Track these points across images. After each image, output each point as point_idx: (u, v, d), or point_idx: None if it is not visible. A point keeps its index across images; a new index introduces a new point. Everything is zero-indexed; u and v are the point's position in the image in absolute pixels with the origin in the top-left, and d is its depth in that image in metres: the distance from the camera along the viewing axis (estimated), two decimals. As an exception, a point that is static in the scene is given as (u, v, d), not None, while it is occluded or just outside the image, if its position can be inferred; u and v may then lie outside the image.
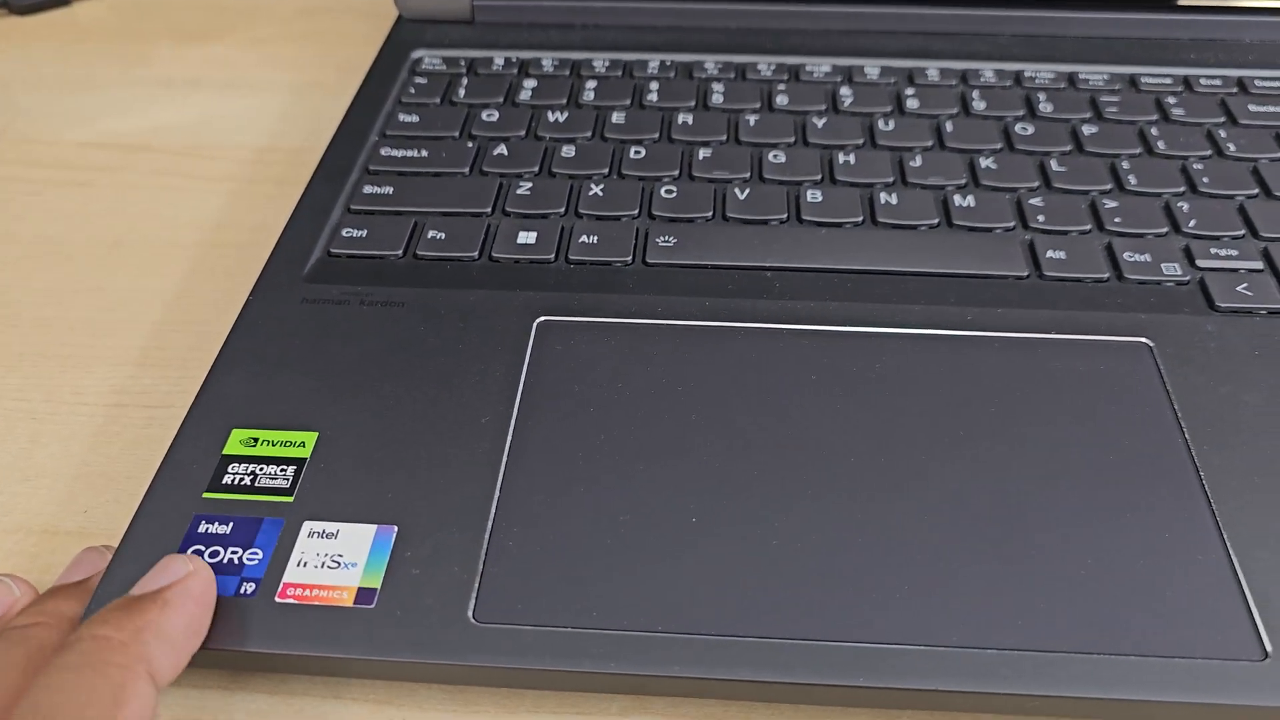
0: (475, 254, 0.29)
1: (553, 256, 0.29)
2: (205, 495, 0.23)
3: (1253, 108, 0.34)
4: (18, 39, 0.45)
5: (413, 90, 0.36)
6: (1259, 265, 0.28)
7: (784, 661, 0.20)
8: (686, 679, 0.20)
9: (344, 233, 0.30)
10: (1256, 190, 0.31)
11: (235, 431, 0.25)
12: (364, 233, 0.30)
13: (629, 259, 0.29)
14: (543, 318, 0.27)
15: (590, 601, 0.21)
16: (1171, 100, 0.35)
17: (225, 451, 0.24)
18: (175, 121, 0.39)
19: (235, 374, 0.26)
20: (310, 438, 0.24)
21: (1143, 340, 0.26)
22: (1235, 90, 0.35)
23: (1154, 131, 0.33)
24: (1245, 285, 0.28)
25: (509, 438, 0.24)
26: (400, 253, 0.29)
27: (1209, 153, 0.32)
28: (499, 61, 0.37)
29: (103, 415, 0.29)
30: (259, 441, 0.25)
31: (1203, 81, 0.36)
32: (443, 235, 0.30)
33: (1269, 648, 0.20)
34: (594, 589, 0.21)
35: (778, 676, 0.20)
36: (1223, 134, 0.33)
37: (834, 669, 0.20)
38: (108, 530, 0.26)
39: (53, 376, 0.30)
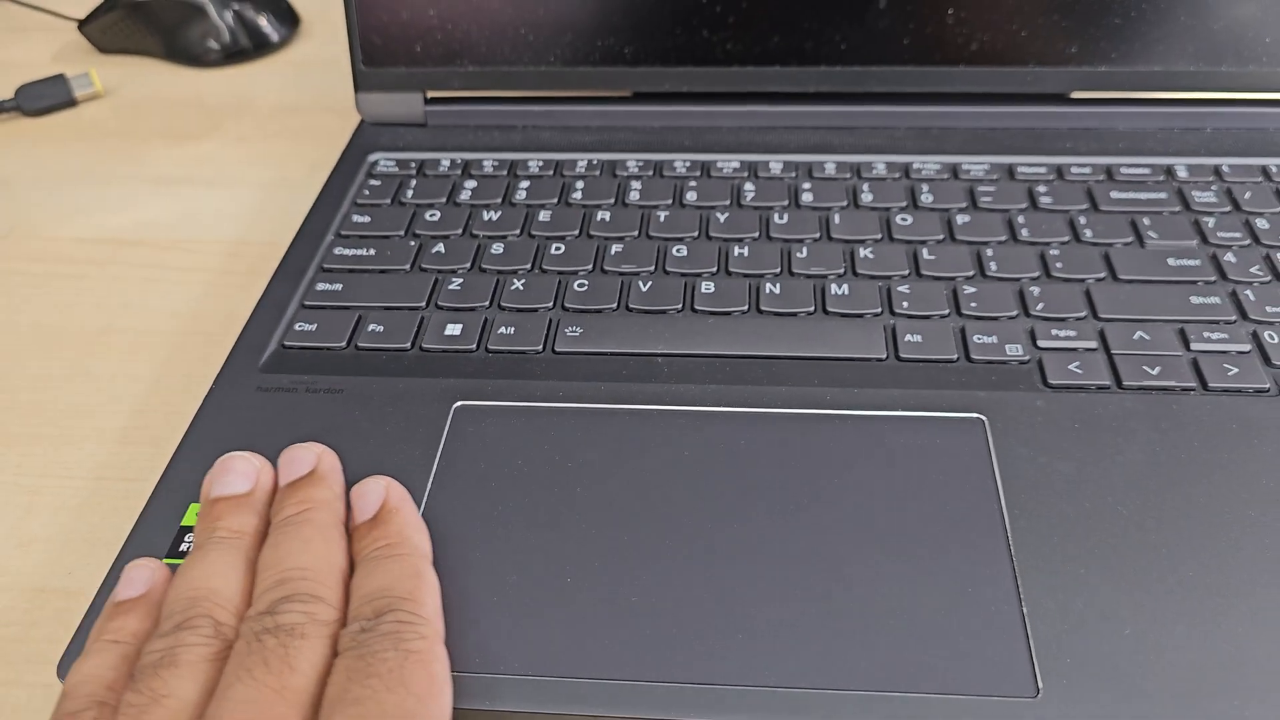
0: (407, 345, 0.34)
1: (474, 346, 0.33)
2: (165, 560, 0.28)
3: (1114, 194, 0.38)
4: (29, 138, 0.50)
5: (367, 192, 0.40)
6: (1094, 345, 0.32)
7: (615, 698, 0.24)
8: (537, 714, 0.24)
9: (297, 326, 0.34)
10: (1104, 273, 0.35)
11: (192, 506, 0.29)
12: (314, 326, 0.34)
13: (540, 348, 0.33)
14: (460, 403, 0.31)
15: (468, 648, 0.25)
16: (1042, 189, 0.39)
17: (183, 523, 0.29)
18: (162, 217, 0.44)
19: (195, 455, 0.30)
20: (256, 511, 0.29)
21: (978, 416, 0.30)
22: (1102, 178, 0.39)
23: (1020, 219, 0.37)
24: (1077, 364, 0.32)
25: (421, 507, 0.28)
26: (344, 344, 0.34)
27: (1067, 238, 0.36)
28: (445, 163, 0.41)
29: (88, 489, 0.33)
30: (212, 514, 0.29)
31: (1073, 170, 0.40)
32: (381, 328, 0.34)
33: (1041, 686, 0.24)
34: (468, 638, 0.25)
35: (603, 711, 0.24)
36: (1082, 220, 0.37)
37: (662, 706, 0.24)
38: (89, 589, 0.30)
39: (46, 454, 0.34)
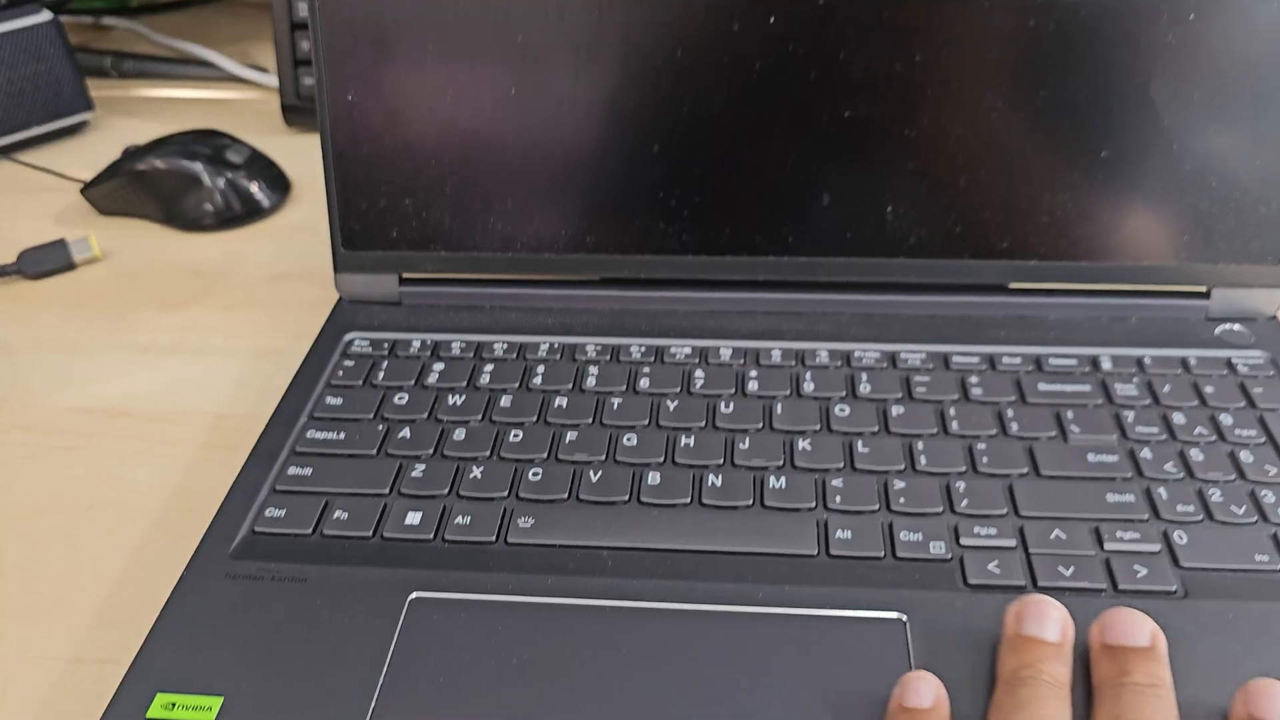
0: (369, 534, 0.36)
1: (432, 536, 0.35)
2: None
3: (1041, 386, 0.41)
4: (28, 302, 0.53)
5: (341, 373, 0.43)
6: (1013, 543, 0.34)
7: None
8: None
9: (267, 512, 0.37)
10: (1027, 469, 0.37)
11: (159, 695, 0.31)
12: (283, 512, 0.37)
13: (493, 539, 0.35)
14: (415, 594, 0.33)
15: None
16: (974, 379, 0.41)
17: (149, 715, 0.30)
18: (149, 388, 0.47)
19: (164, 645, 0.32)
20: (216, 702, 0.31)
21: (899, 616, 0.32)
22: (1031, 368, 0.42)
23: (951, 411, 0.40)
24: (996, 563, 0.34)
25: (374, 700, 0.30)
26: (310, 531, 0.36)
27: (994, 432, 0.39)
28: (416, 344, 0.44)
29: (62, 670, 0.35)
30: (175, 705, 0.31)
31: (1004, 359, 0.42)
32: (346, 515, 0.36)
33: None
34: None
35: None
36: (1010, 413, 0.39)
37: None
38: (55, 775, 0.32)
39: (26, 628, 0.36)
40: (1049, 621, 0.30)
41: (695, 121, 0.42)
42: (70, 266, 0.55)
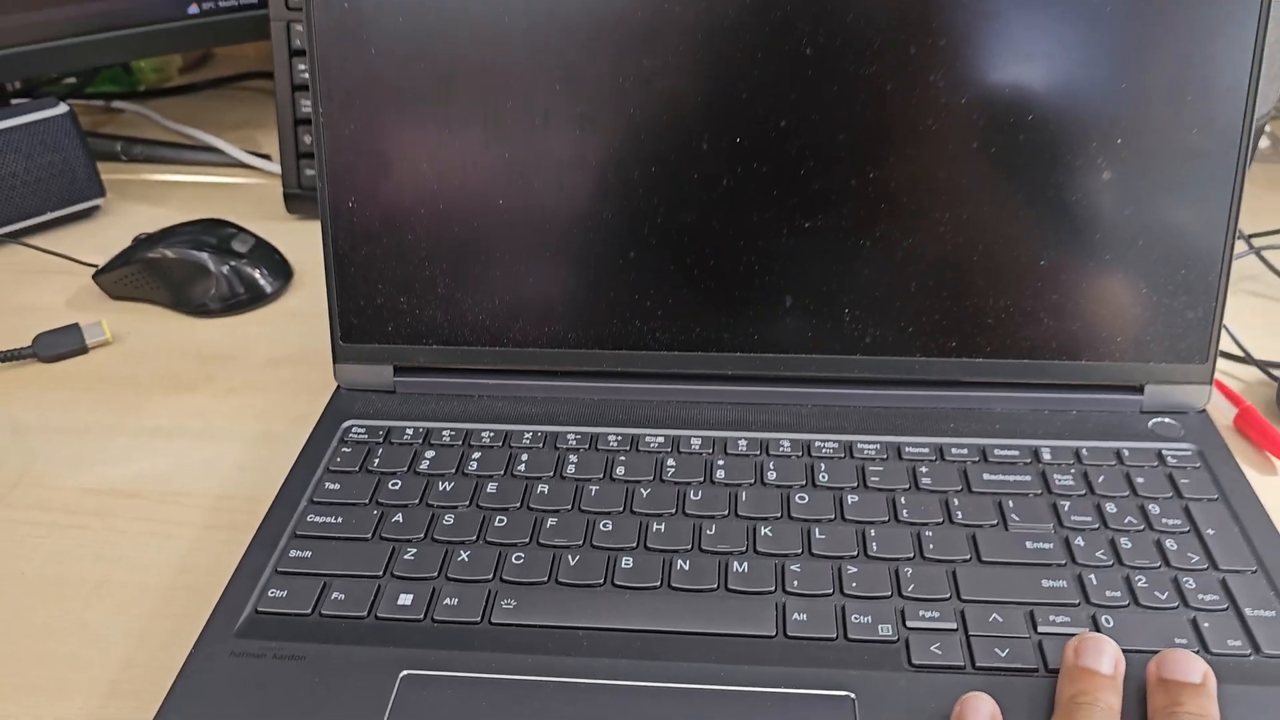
0: (364, 614, 0.39)
1: (421, 616, 0.38)
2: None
3: (986, 476, 0.44)
4: (43, 384, 0.56)
5: (339, 459, 0.46)
6: (954, 626, 0.38)
7: None
8: None
9: (269, 593, 0.40)
10: (970, 555, 0.41)
11: (167, 770, 0.34)
12: (284, 593, 0.40)
13: (478, 619, 0.38)
14: (406, 672, 0.36)
15: None
16: (924, 469, 0.45)
17: (158, 787, 0.33)
18: (157, 470, 0.50)
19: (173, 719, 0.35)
20: (221, 775, 0.33)
21: (848, 694, 0.35)
22: (977, 459, 0.45)
23: (902, 500, 0.43)
24: (938, 645, 0.37)
25: (368, 775, 0.33)
26: (309, 611, 0.39)
27: (941, 520, 0.42)
28: (409, 431, 0.47)
29: (74, 743, 0.38)
30: (184, 777, 0.33)
31: (953, 450, 0.46)
32: (343, 596, 0.39)
33: None
34: None
35: None
36: (955, 502, 0.43)
37: None
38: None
39: (40, 706, 0.39)
40: (1105, 656, 0.35)
41: (669, 230, 0.46)
42: (83, 350, 0.58)
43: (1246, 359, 0.55)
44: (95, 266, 0.64)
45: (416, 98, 0.46)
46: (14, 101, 0.74)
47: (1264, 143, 0.79)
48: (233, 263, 0.62)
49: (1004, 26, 0.43)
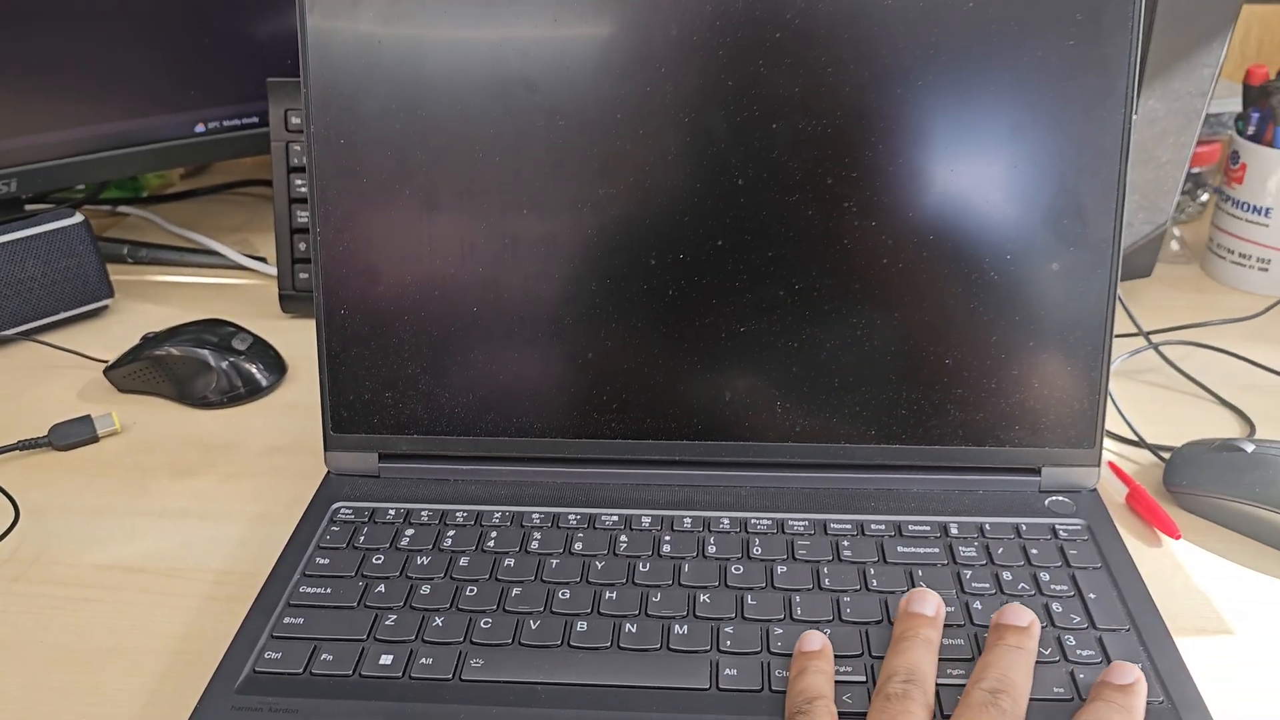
0: (350, 672, 0.44)
1: (401, 674, 0.44)
2: None
3: (900, 548, 0.50)
4: (57, 471, 0.62)
5: (328, 537, 0.52)
6: (863, 679, 0.43)
7: None
8: None
9: (266, 655, 0.45)
10: (881, 618, 0.46)
11: (177, 807, 0.39)
12: (280, 654, 0.45)
13: (450, 677, 0.44)
14: (386, 722, 0.42)
15: None
16: (846, 543, 0.51)
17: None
18: (163, 547, 0.55)
19: (181, 765, 0.40)
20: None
21: (769, 738, 0.41)
22: (893, 533, 0.51)
23: (825, 571, 0.49)
24: (849, 695, 0.43)
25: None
26: (301, 670, 0.44)
27: (858, 587, 0.48)
28: (391, 512, 0.53)
29: (91, 788, 0.42)
30: (192, 815, 0.39)
31: (871, 526, 0.52)
32: (331, 657, 0.45)
33: None
34: None
35: None
36: (872, 571, 0.49)
37: None
38: None
39: (60, 758, 0.44)
40: (928, 602, 0.45)
41: (622, 334, 0.53)
42: (94, 439, 0.64)
43: (1140, 443, 0.61)
44: (105, 362, 0.70)
45: (401, 221, 0.53)
46: (29, 207, 0.81)
47: (1173, 245, 0.87)
48: (232, 359, 0.68)
49: (910, 162, 0.51)
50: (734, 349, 0.53)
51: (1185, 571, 0.53)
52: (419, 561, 0.50)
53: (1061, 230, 0.51)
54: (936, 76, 0.50)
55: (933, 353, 0.53)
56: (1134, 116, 0.50)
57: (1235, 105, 0.85)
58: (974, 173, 0.51)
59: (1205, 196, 0.91)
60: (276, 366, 0.70)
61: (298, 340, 0.74)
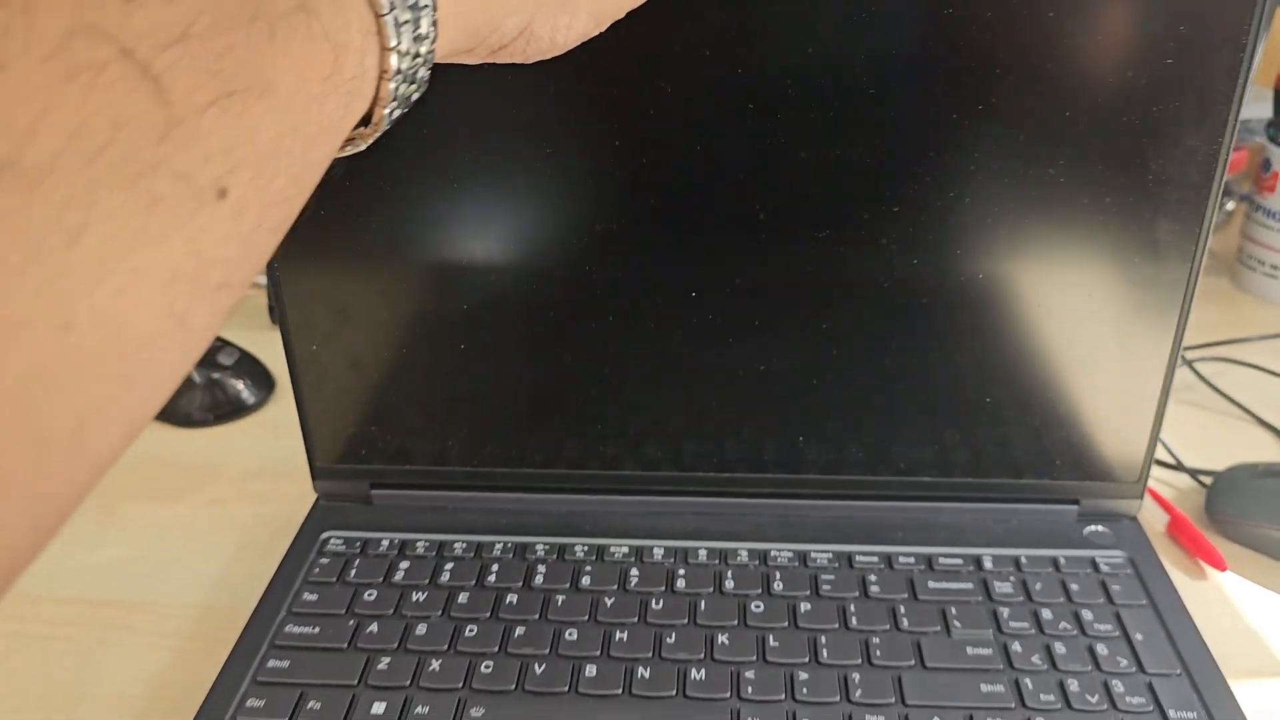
0: (339, 723, 0.41)
1: (394, 725, 0.40)
2: None
3: (931, 584, 0.47)
4: (29, 495, 0.58)
5: (317, 570, 0.48)
6: (898, 729, 0.40)
7: None
8: None
9: (248, 703, 0.41)
10: (914, 661, 0.43)
11: None
12: (263, 703, 0.41)
13: (448, 728, 0.40)
14: (378, 780, 0.38)
15: None
16: (873, 577, 0.47)
17: None
18: (138, 580, 0.52)
19: (153, 828, 0.37)
20: None
21: (797, 798, 0.37)
22: (923, 567, 0.48)
23: (852, 608, 0.46)
24: (883, 748, 0.39)
25: None
26: (286, 720, 0.41)
27: (888, 627, 0.45)
28: (384, 543, 0.50)
29: None
30: None
31: (900, 559, 0.48)
32: (319, 705, 0.41)
33: None
34: None
35: None
36: (902, 609, 0.45)
37: None
38: None
39: (22, 816, 0.40)
40: None
41: (635, 369, 0.49)
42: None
43: (1179, 466, 0.58)
44: (83, 378, 0.66)
45: (373, 255, 0.48)
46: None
47: (1198, 257, 0.84)
48: (216, 375, 0.64)
49: (956, 194, 0.45)
50: (753, 386, 0.49)
51: (1234, 607, 0.49)
52: (414, 598, 0.46)
53: (1130, 267, 0.46)
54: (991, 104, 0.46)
55: (970, 390, 0.48)
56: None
57: (1265, 111, 0.82)
58: (1026, 210, 0.45)
59: (1232, 205, 0.88)
60: (264, 383, 0.67)
61: (286, 355, 0.70)
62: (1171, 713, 0.40)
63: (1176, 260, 0.46)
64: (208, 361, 0.65)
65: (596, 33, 0.33)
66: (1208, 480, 0.56)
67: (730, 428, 0.50)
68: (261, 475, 0.60)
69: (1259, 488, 0.53)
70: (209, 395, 0.64)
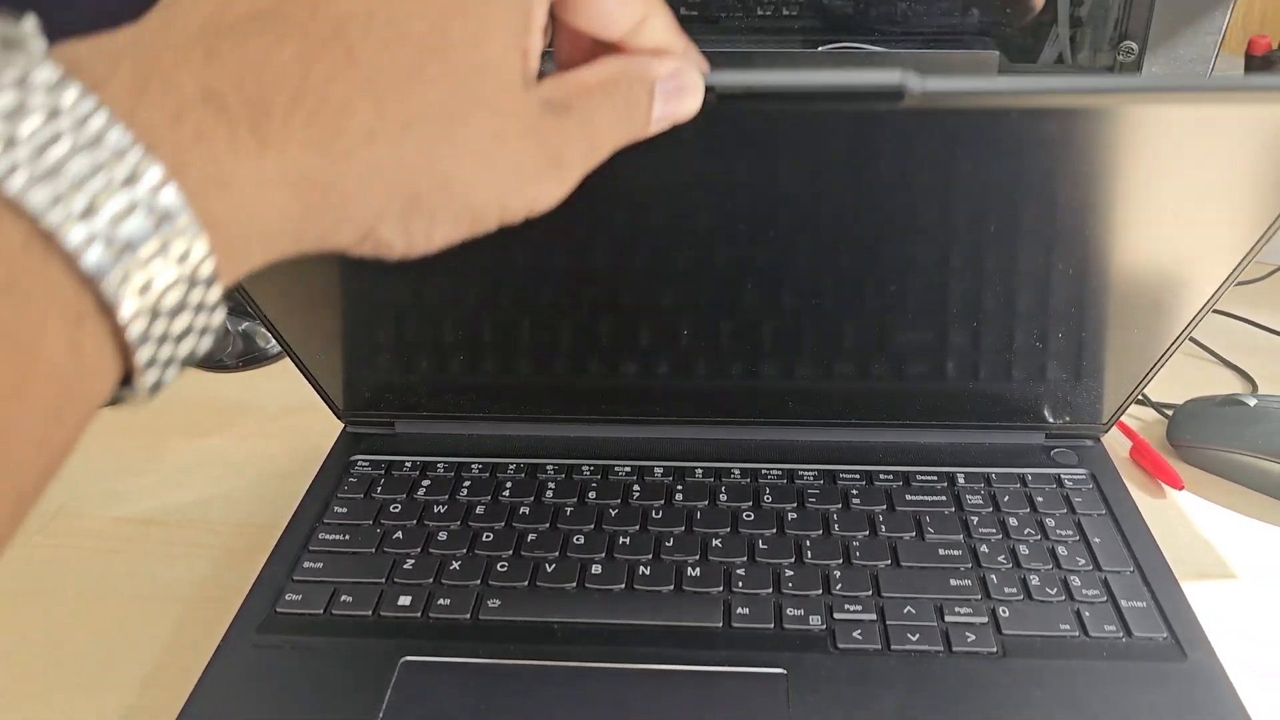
0: (369, 613, 0.45)
1: (419, 614, 0.45)
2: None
3: (908, 496, 0.51)
4: (75, 431, 0.63)
5: (346, 488, 0.53)
6: (873, 617, 0.44)
7: None
8: None
9: (286, 597, 0.46)
10: (890, 561, 0.47)
11: (202, 734, 0.40)
12: (300, 596, 0.46)
13: (468, 616, 0.45)
14: (405, 658, 0.43)
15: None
16: (855, 492, 0.51)
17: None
18: (182, 502, 0.56)
19: (205, 697, 0.41)
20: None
21: (781, 671, 0.42)
22: (901, 483, 0.52)
23: (835, 517, 0.50)
24: (859, 631, 0.43)
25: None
26: (321, 611, 0.45)
27: (867, 533, 0.49)
28: (408, 464, 0.54)
29: (116, 725, 0.43)
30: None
31: (880, 476, 0.53)
32: (350, 599, 0.46)
33: None
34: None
35: None
36: (880, 518, 0.50)
37: None
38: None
39: (86, 696, 0.45)
40: None
41: (631, 309, 0.52)
42: (118, 399, 0.65)
43: (1144, 401, 0.62)
44: (121, 329, 0.71)
45: None
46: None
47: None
48: (245, 324, 0.69)
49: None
50: (748, 319, 0.51)
51: (1189, 521, 0.53)
52: (436, 510, 0.51)
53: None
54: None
55: (958, 336, 0.51)
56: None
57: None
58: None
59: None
60: (290, 332, 0.71)
61: (310, 308, 0.75)
62: (1123, 603, 0.45)
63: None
64: (238, 310, 0.69)
65: (472, 236, 0.28)
66: (1170, 412, 0.60)
67: (726, 361, 0.54)
68: (291, 413, 0.64)
69: (1218, 415, 0.57)
70: (240, 342, 0.68)
